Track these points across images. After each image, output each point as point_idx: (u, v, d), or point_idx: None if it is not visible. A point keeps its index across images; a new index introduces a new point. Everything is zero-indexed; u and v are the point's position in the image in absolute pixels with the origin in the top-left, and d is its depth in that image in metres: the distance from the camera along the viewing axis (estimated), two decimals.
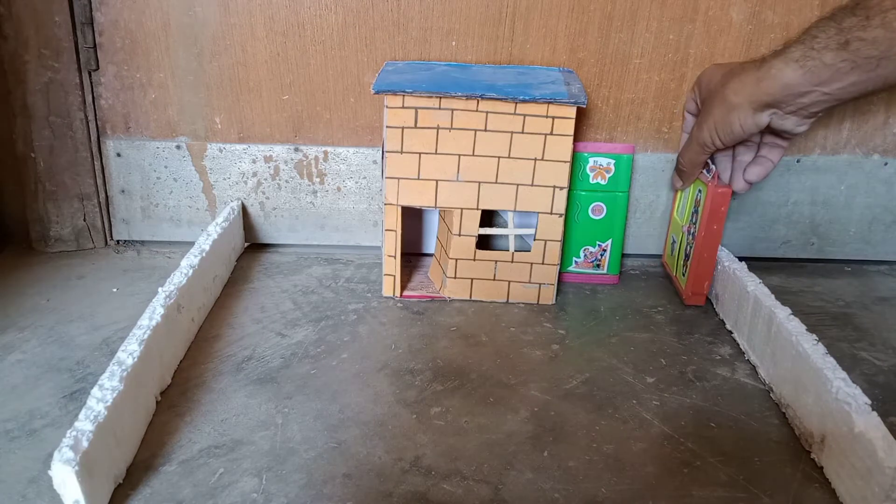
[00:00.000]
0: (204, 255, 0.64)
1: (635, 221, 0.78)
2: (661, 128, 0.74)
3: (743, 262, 0.66)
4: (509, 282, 0.68)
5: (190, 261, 0.62)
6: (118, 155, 0.74)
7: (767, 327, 0.57)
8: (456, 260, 0.67)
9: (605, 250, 0.72)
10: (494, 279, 0.68)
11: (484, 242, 0.73)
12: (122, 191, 0.76)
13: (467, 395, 0.55)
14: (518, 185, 0.64)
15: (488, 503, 0.44)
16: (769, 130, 0.61)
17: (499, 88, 0.61)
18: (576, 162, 0.69)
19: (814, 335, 0.53)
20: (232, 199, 0.77)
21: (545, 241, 0.66)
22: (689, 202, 0.70)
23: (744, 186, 0.66)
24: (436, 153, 0.63)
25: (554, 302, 0.69)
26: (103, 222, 0.77)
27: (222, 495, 0.44)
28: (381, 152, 0.73)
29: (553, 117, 0.62)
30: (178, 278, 0.59)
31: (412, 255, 0.77)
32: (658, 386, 0.57)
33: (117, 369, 0.47)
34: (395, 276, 0.68)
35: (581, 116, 0.71)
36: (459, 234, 0.66)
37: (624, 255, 0.78)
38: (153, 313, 0.53)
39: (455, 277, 0.68)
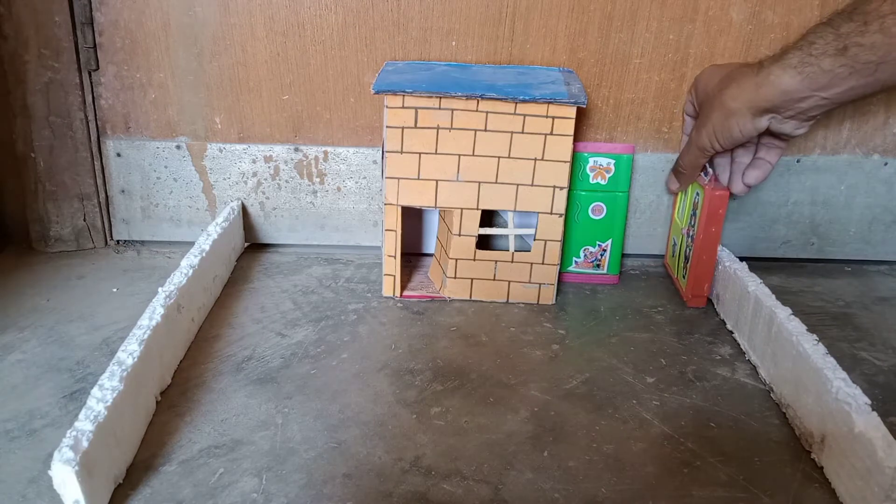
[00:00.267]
0: (204, 255, 0.64)
1: (635, 221, 0.78)
2: (661, 128, 0.74)
3: (744, 263, 0.66)
4: (509, 282, 0.68)
5: (190, 261, 0.62)
6: (118, 155, 0.74)
7: (768, 327, 0.57)
8: (456, 260, 0.67)
9: (605, 250, 0.72)
10: (494, 279, 0.68)
11: (484, 242, 0.73)
12: (122, 191, 0.76)
13: (467, 395, 0.55)
14: (518, 185, 0.64)
15: (488, 503, 0.44)
16: (768, 132, 0.61)
17: (499, 88, 0.61)
18: (576, 162, 0.69)
19: (814, 335, 0.53)
20: (232, 199, 0.77)
21: (545, 241, 0.66)
22: (688, 205, 0.70)
23: (742, 189, 0.66)
24: (436, 153, 0.63)
25: (554, 302, 0.69)
26: (103, 222, 0.77)
27: (222, 495, 0.44)
28: (381, 152, 0.73)
29: (553, 117, 0.62)
30: (178, 278, 0.59)
31: (412, 255, 0.77)
32: (658, 386, 0.57)
33: (117, 369, 0.47)
34: (395, 276, 0.68)
35: (581, 116, 0.71)
36: (459, 234, 0.66)
37: (624, 255, 0.77)
38: (153, 313, 0.53)
39: (455, 277, 0.68)
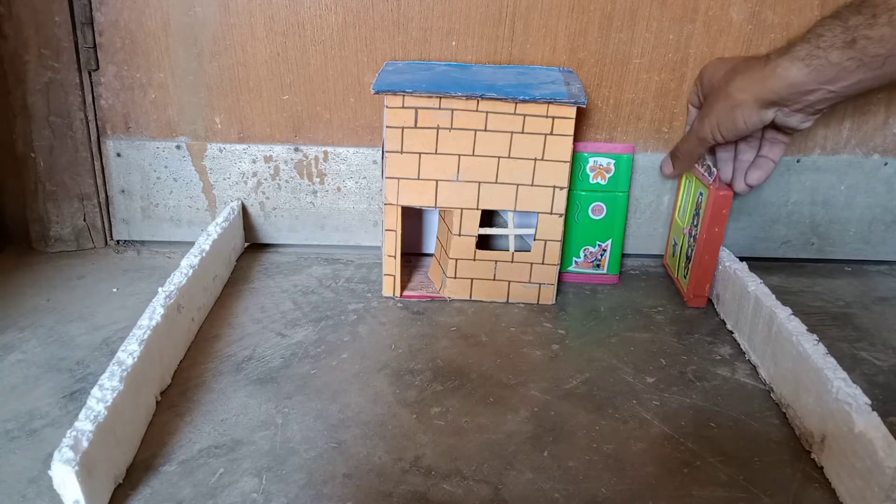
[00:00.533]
0: (204, 255, 0.64)
1: (635, 221, 0.78)
2: (661, 128, 0.74)
3: (744, 263, 0.66)
4: (509, 282, 0.68)
5: (190, 261, 0.62)
6: (118, 155, 0.74)
7: (768, 327, 0.57)
8: (456, 260, 0.67)
9: (605, 250, 0.72)
10: (494, 279, 0.68)
11: (484, 242, 0.73)
12: (122, 191, 0.76)
13: (467, 395, 0.55)
14: (518, 185, 0.64)
15: (488, 503, 0.44)
16: (772, 126, 0.61)
17: (499, 88, 0.61)
18: (576, 162, 0.69)
19: (814, 335, 0.53)
20: (232, 199, 0.77)
21: (545, 241, 0.66)
22: (690, 204, 0.70)
23: (745, 188, 0.66)
24: (436, 153, 0.63)
25: (554, 302, 0.69)
26: (103, 222, 0.77)
27: (222, 495, 0.44)
28: (381, 152, 0.73)
29: (553, 117, 0.62)
30: (178, 278, 0.59)
31: (412, 255, 0.77)
32: (658, 386, 0.57)
33: (117, 369, 0.47)
34: (395, 276, 0.68)
35: (581, 116, 0.71)
36: (459, 234, 0.66)
37: (624, 255, 0.78)
38: (153, 313, 0.53)
39: (455, 277, 0.68)
